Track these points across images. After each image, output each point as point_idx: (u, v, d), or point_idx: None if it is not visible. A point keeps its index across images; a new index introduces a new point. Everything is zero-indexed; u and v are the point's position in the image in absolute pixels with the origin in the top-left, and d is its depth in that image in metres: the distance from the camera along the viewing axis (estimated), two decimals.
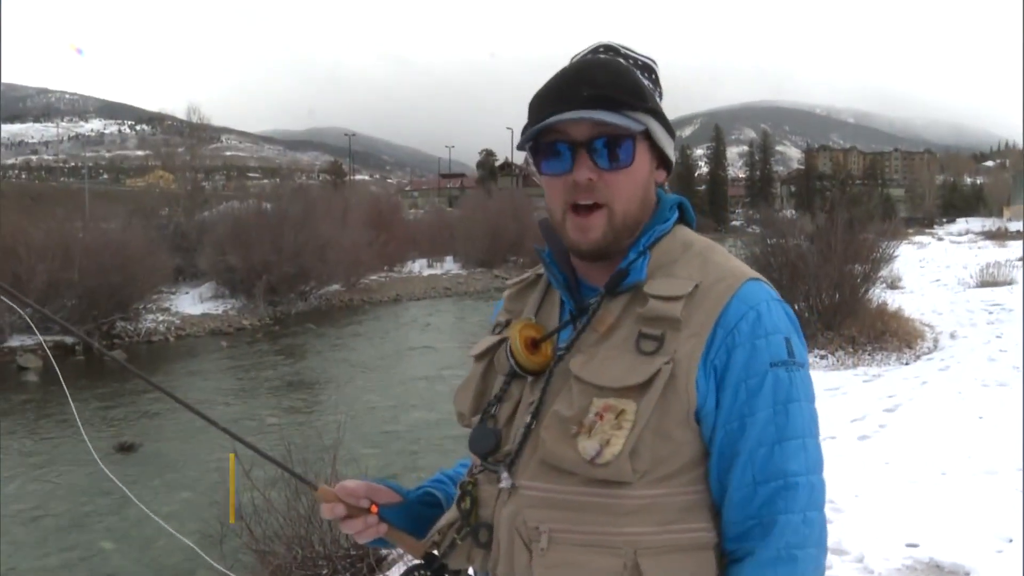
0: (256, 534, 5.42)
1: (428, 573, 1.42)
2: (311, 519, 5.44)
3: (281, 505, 5.49)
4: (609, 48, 1.41)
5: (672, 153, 1.39)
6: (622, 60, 1.38)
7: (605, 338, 1.29)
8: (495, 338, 1.46)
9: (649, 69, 1.42)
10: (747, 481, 1.22)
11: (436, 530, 1.42)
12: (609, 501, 1.21)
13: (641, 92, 1.31)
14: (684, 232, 1.39)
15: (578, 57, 1.42)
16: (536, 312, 1.45)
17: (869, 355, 11.76)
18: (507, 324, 1.46)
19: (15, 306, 1.53)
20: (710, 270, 1.30)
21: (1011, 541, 4.52)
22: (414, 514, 1.50)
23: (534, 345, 1.35)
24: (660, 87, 1.43)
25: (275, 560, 5.42)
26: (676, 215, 1.40)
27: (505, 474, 1.30)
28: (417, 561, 1.44)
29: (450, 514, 1.40)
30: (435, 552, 1.42)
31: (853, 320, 12.38)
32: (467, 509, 1.36)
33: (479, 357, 1.47)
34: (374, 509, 1.46)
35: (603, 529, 1.21)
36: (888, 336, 12.47)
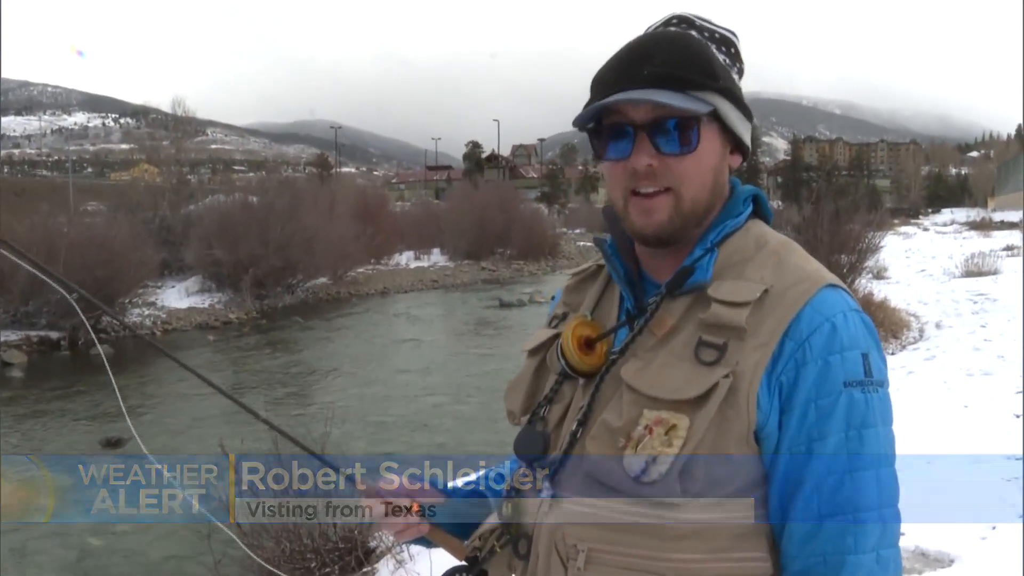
0: (244, 528, 5.41)
1: None
2: None
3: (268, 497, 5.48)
4: (683, 20, 1.29)
5: (747, 137, 1.27)
6: (695, 33, 1.27)
7: (663, 343, 1.19)
8: (550, 332, 1.35)
9: (728, 43, 1.28)
10: (812, 513, 1.12)
11: (477, 535, 1.35)
12: (655, 523, 1.12)
13: (710, 69, 1.21)
14: (759, 228, 1.27)
15: (649, 30, 1.31)
16: (594, 307, 1.34)
17: None
18: (564, 318, 1.37)
19: (62, 291, 1.49)
20: (785, 273, 1.18)
21: (995, 528, 4.56)
22: (459, 513, 1.42)
23: (588, 345, 1.26)
24: (741, 62, 1.30)
25: (264, 554, 5.41)
26: (750, 209, 1.28)
27: (547, 484, 1.23)
28: (460, 563, 1.37)
29: (493, 519, 1.33)
30: (478, 555, 1.35)
31: None
32: (508, 516, 1.29)
33: (532, 352, 1.37)
34: (415, 507, 1.39)
35: (646, 553, 1.12)
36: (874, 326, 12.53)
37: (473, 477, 1.51)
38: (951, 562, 4.28)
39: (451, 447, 10.80)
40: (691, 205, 1.21)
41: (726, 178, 1.28)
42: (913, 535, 4.51)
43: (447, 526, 1.42)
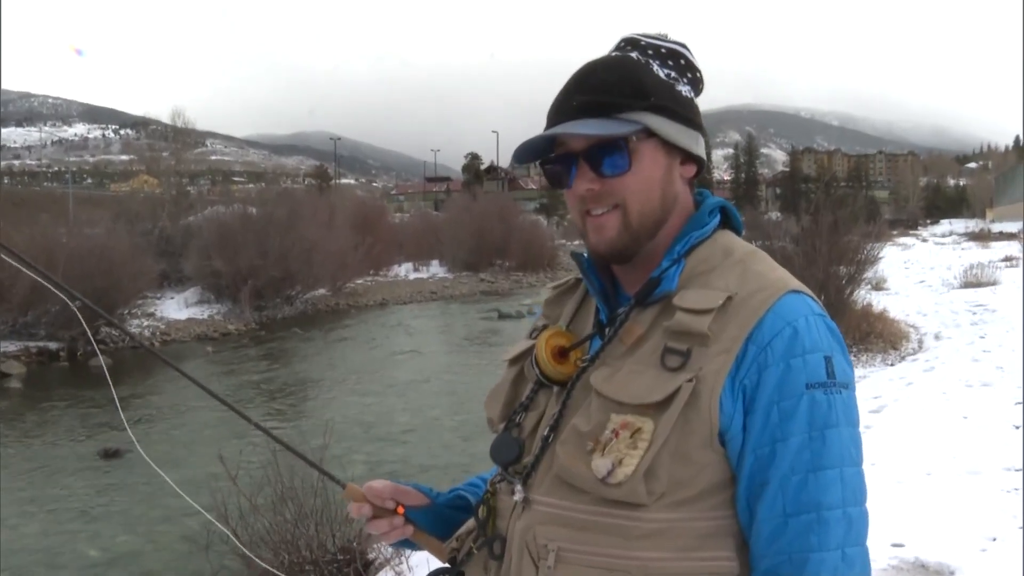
0: (243, 539, 5.40)
1: None
2: (297, 524, 5.42)
3: (267, 510, 5.47)
4: (629, 42, 1.33)
5: (694, 145, 1.31)
6: (636, 53, 1.31)
7: (632, 351, 1.23)
8: (529, 343, 1.41)
9: (675, 56, 1.32)
10: (777, 512, 1.14)
11: (455, 536, 1.42)
12: (622, 523, 1.15)
13: (639, 90, 1.25)
14: (726, 238, 1.31)
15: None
16: (572, 319, 1.40)
17: (854, 356, 11.80)
18: (543, 329, 1.41)
19: (64, 298, 1.51)
20: (748, 280, 1.21)
21: (995, 540, 4.55)
22: (443, 517, 1.48)
23: (562, 354, 1.31)
24: (693, 72, 1.33)
25: (261, 565, 5.40)
26: (717, 220, 1.32)
27: (519, 487, 1.27)
28: (443, 565, 1.42)
29: (471, 521, 1.39)
30: (456, 556, 1.41)
31: (838, 321, 12.24)
32: (483, 519, 1.34)
33: (512, 362, 1.43)
34: (400, 511, 1.45)
35: (613, 551, 1.16)
36: (873, 337, 12.54)
37: (459, 484, 1.57)
38: (951, 574, 4.26)
39: (448, 458, 10.80)
40: (639, 219, 1.26)
41: (677, 189, 1.31)
42: (913, 547, 4.51)
43: (431, 529, 1.47)
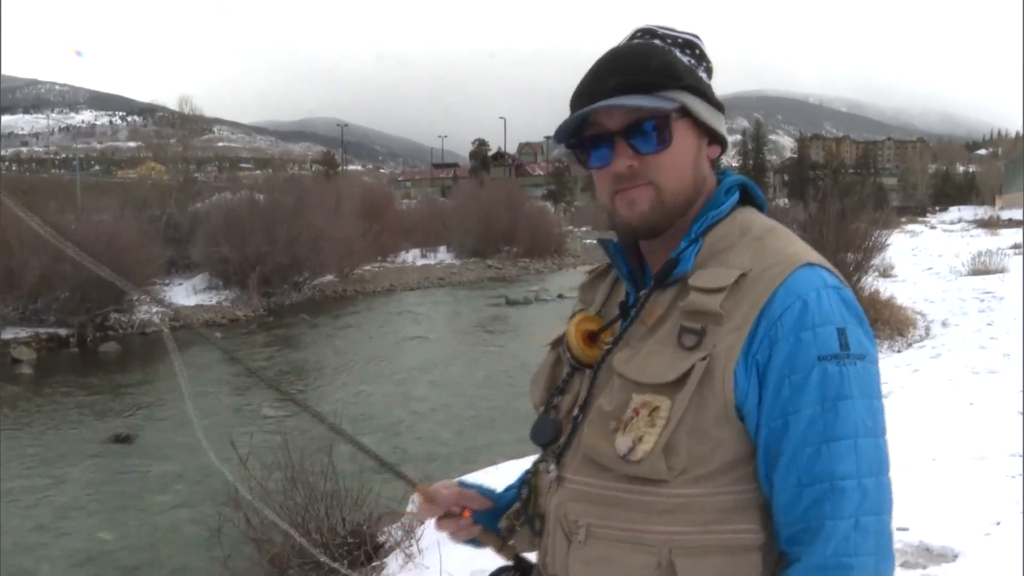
0: (253, 523, 5.46)
1: (517, 575, 1.47)
2: (308, 507, 5.48)
3: (278, 494, 5.53)
4: (646, 31, 1.36)
5: (722, 128, 1.34)
6: (657, 42, 1.34)
7: (652, 332, 1.26)
8: (565, 327, 1.44)
9: (691, 45, 1.35)
10: (792, 483, 1.16)
11: (506, 516, 1.48)
12: (644, 498, 1.20)
13: (672, 70, 1.28)
14: (746, 216, 1.32)
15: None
16: (604, 303, 1.44)
17: None
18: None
19: (131, 291, 1.55)
20: (764, 257, 1.23)
21: (999, 524, 4.58)
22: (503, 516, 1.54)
23: (592, 338, 1.35)
24: (707, 62, 1.36)
25: (272, 548, 5.46)
26: (735, 198, 1.34)
27: (553, 466, 1.32)
28: (506, 563, 1.50)
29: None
30: (518, 553, 1.49)
31: None
32: (526, 497, 1.41)
33: (552, 346, 1.47)
34: (466, 514, 1.53)
35: (638, 526, 1.20)
36: (880, 324, 12.54)
37: (514, 479, 1.62)
38: (955, 557, 4.30)
39: (459, 444, 10.85)
40: (672, 198, 1.29)
41: (707, 169, 1.34)
42: (917, 530, 4.54)
43: (495, 528, 1.54)
